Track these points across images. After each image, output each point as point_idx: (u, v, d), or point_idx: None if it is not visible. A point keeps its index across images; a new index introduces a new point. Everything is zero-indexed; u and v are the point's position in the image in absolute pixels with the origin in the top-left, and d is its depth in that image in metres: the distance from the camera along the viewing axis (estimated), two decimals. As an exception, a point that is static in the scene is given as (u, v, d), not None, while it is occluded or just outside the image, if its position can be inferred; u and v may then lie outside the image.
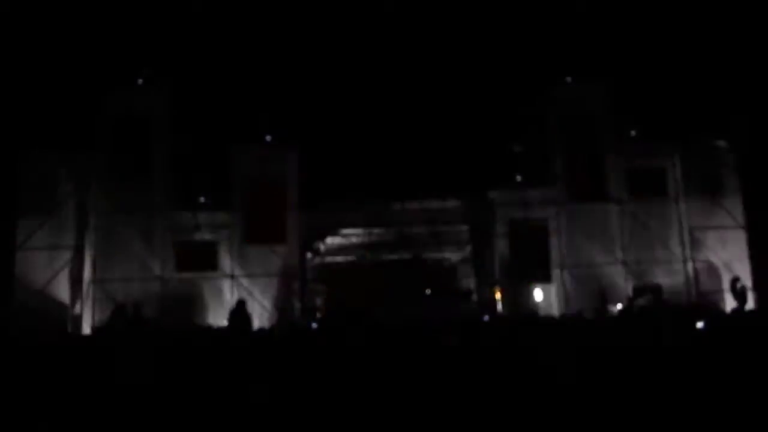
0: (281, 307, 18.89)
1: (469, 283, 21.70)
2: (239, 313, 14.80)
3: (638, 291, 15.99)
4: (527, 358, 8.82)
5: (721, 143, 20.65)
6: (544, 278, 19.84)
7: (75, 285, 18.63)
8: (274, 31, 19.98)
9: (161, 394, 7.51)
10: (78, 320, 18.54)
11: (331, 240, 21.59)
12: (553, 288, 19.73)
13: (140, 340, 12.23)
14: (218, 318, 18.23)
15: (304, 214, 20.05)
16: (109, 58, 19.20)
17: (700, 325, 10.96)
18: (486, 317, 18.82)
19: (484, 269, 21.00)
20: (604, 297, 18.80)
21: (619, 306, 17.98)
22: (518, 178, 21.26)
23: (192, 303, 18.73)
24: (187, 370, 8.78)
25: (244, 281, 19.17)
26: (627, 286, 19.17)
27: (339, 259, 22.17)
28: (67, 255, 18.70)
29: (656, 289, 14.51)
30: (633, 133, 20.87)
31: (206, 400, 7.12)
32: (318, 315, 20.59)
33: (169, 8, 19.21)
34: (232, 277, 19.28)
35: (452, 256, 22.14)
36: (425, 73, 20.35)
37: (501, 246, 19.98)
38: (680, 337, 10.12)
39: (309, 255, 21.29)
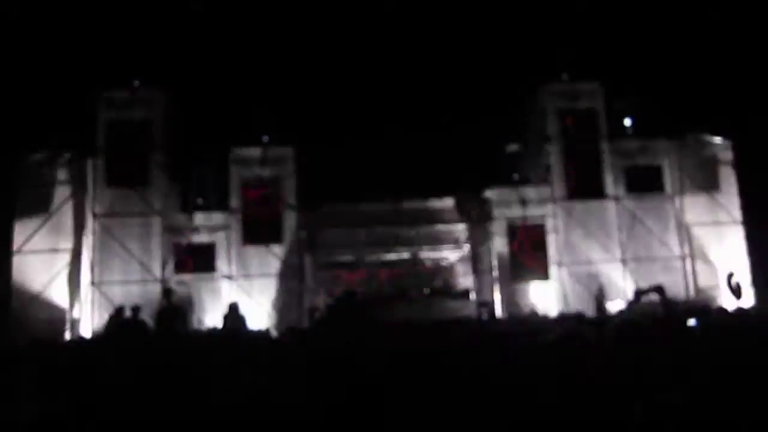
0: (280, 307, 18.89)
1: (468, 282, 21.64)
2: (232, 315, 14.82)
3: (641, 292, 15.86)
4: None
5: (718, 139, 20.71)
6: (543, 277, 19.85)
7: (73, 288, 18.62)
8: (271, 33, 20.00)
9: (158, 396, 7.50)
10: (77, 324, 18.53)
11: (328, 240, 21.50)
12: (551, 286, 19.75)
13: (139, 343, 12.22)
14: (216, 319, 18.21)
15: (302, 214, 20.06)
16: (107, 61, 19.20)
17: (692, 322, 10.92)
18: (485, 317, 18.81)
19: (482, 268, 20.99)
20: (603, 294, 18.87)
21: (620, 303, 17.90)
22: (515, 176, 21.28)
23: (190, 305, 18.69)
24: (183, 372, 8.77)
25: (242, 282, 19.17)
26: (625, 284, 19.17)
27: (337, 259, 22.07)
28: (65, 258, 18.72)
29: (659, 289, 14.43)
30: (629, 129, 20.93)
31: (202, 401, 7.11)
32: (318, 315, 20.50)
33: (165, 10, 19.22)
34: (230, 278, 19.28)
35: (450, 255, 22.08)
36: (421, 72, 20.39)
37: (498, 245, 19.97)
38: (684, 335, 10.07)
39: (307, 255, 21.22)
